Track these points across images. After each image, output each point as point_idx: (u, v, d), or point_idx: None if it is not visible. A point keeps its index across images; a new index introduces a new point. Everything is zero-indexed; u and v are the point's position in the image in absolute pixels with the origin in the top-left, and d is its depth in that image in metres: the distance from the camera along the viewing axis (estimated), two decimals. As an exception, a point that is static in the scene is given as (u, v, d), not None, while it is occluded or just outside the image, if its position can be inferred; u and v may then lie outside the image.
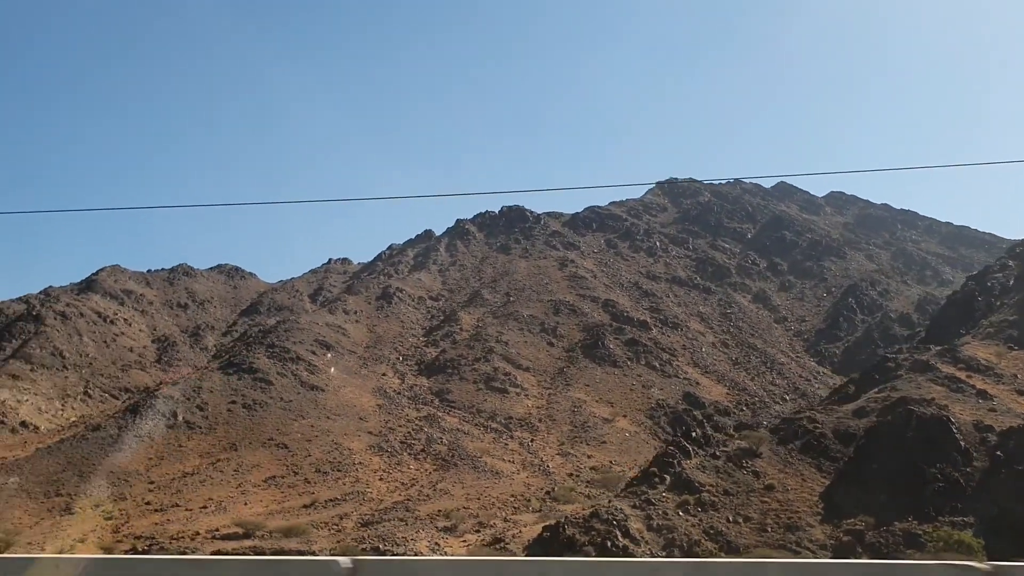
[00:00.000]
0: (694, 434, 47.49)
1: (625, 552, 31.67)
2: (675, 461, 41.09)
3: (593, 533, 34.01)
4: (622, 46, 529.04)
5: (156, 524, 52.40)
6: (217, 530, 48.75)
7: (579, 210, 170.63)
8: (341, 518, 50.88)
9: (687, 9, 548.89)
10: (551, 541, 33.83)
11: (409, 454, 68.96)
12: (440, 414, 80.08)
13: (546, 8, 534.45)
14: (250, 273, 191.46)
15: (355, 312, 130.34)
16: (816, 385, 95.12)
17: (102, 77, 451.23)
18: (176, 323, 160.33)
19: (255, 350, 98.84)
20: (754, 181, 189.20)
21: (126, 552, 42.25)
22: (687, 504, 37.50)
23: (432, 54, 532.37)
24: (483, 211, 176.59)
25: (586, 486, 56.46)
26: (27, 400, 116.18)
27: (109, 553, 40.31)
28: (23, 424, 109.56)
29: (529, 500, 51.46)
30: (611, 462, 67.15)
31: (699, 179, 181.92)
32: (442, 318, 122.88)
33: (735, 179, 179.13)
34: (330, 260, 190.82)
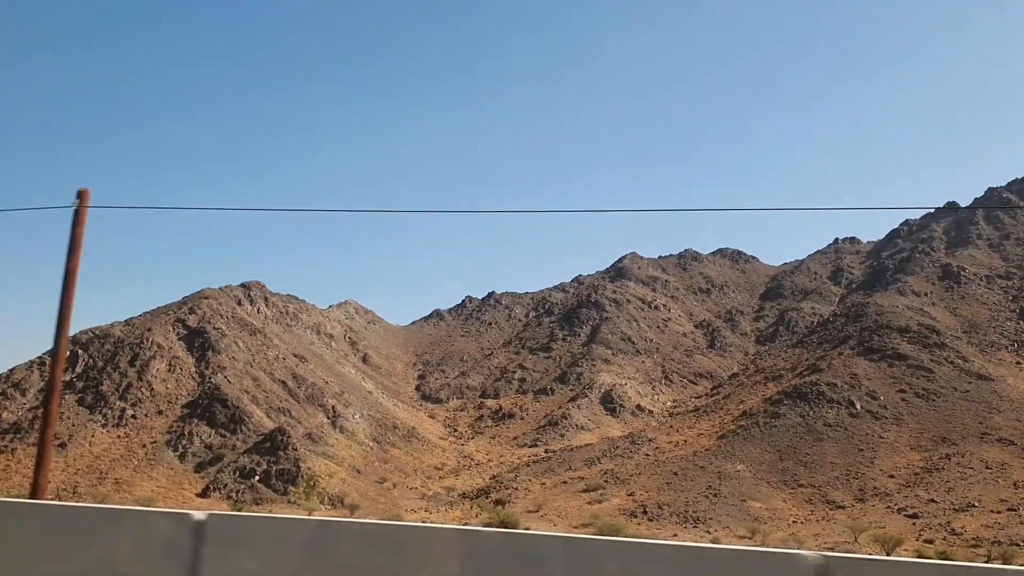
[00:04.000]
0: None
1: None
2: None
3: None
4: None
5: (988, 527, 52.30)
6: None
7: None
8: None
9: None
10: None
11: None
12: None
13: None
14: (752, 256, 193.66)
15: (926, 294, 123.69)
16: None
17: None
18: (705, 308, 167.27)
19: (889, 336, 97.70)
20: None
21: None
22: None
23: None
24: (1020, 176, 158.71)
25: None
26: (626, 384, 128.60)
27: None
28: (639, 408, 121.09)
29: None
30: None
31: None
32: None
33: None
34: (836, 240, 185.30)
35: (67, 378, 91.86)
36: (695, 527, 67.63)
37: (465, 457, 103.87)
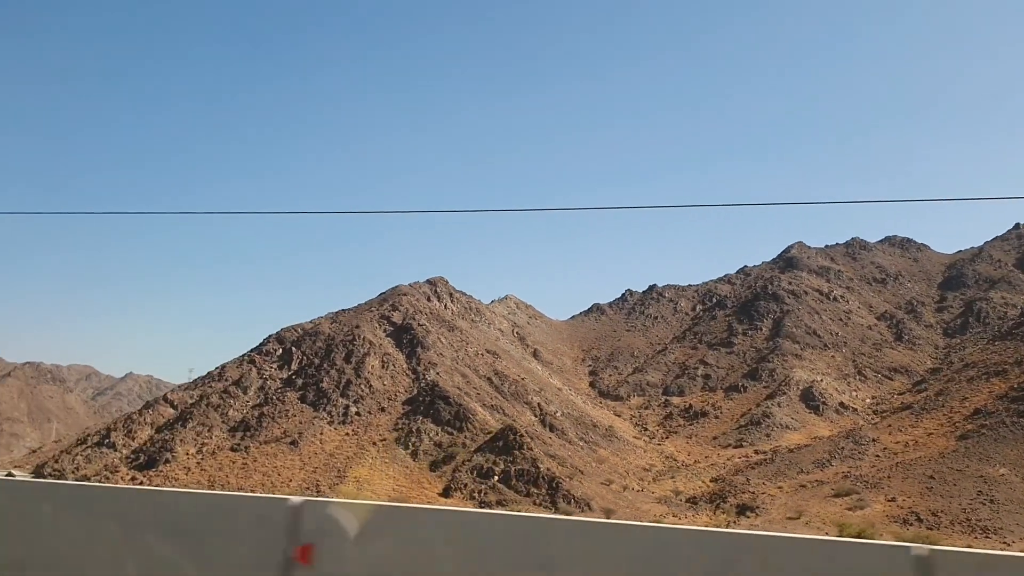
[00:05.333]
0: None
1: None
2: None
3: None
4: None
5: None
6: None
7: None
8: None
9: None
10: None
11: None
12: None
13: None
14: (922, 244, 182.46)
15: None
16: None
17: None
18: (882, 299, 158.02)
19: None
20: None
21: None
22: None
23: None
24: None
25: None
26: (822, 380, 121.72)
27: None
28: (842, 405, 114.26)
29: None
30: None
31: None
32: None
33: None
34: (1018, 225, 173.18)
35: (284, 375, 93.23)
36: (987, 537, 61.95)
37: (668, 458, 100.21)
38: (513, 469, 71.21)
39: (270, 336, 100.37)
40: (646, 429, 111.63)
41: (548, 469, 71.26)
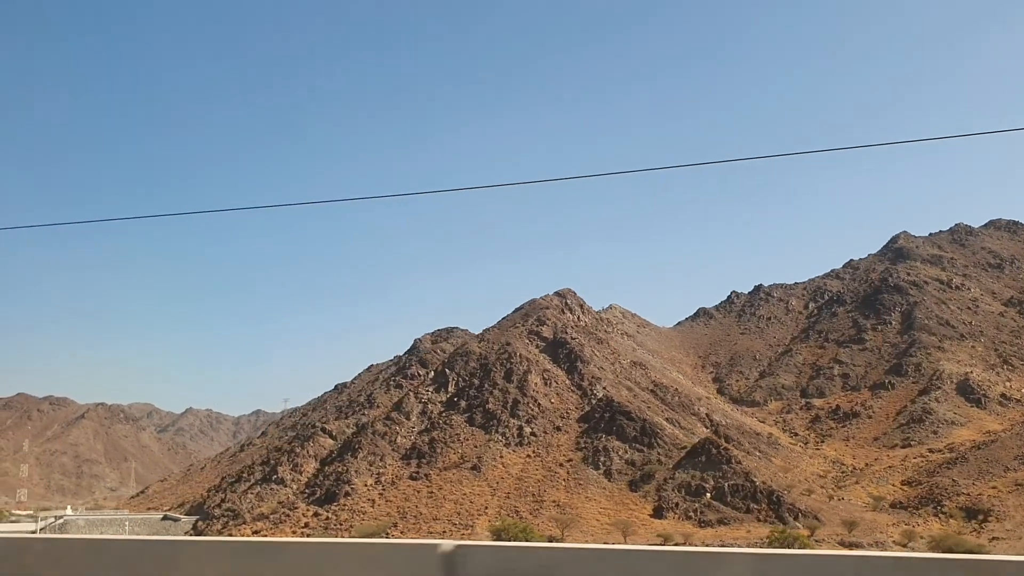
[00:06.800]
0: None
1: None
2: None
3: None
4: None
5: None
6: None
7: None
8: None
9: None
10: None
11: None
12: None
13: None
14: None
15: None
16: None
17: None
18: (1003, 285, 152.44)
19: None
20: None
21: None
22: None
23: None
24: None
25: None
26: (973, 372, 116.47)
27: None
28: (1004, 397, 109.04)
29: None
30: None
31: None
32: None
33: None
34: None
35: (443, 397, 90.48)
36: None
37: (833, 463, 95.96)
38: (726, 485, 67.58)
39: (410, 358, 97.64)
40: (796, 434, 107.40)
41: (764, 482, 67.50)
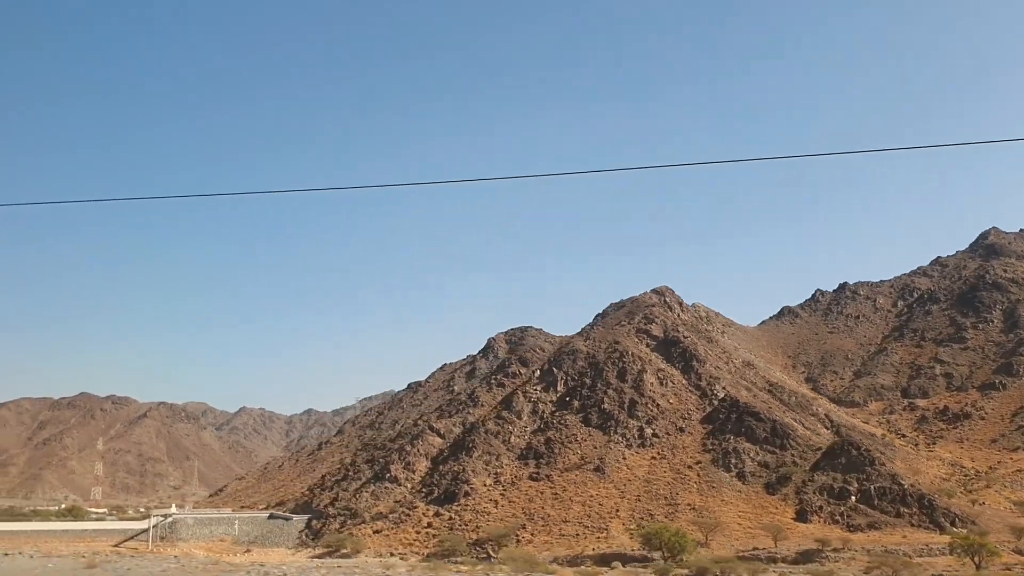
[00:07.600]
0: None
1: None
2: None
3: None
4: None
5: None
6: None
7: None
8: None
9: None
10: None
11: None
12: None
13: None
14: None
15: None
16: None
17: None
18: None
19: None
20: None
21: None
22: None
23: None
24: None
25: None
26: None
27: None
28: None
29: None
30: None
31: None
32: None
33: None
34: None
35: (553, 396, 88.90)
36: None
37: (952, 465, 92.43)
38: (872, 488, 64.95)
39: (510, 358, 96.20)
40: (904, 435, 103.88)
41: (913, 485, 64.76)
